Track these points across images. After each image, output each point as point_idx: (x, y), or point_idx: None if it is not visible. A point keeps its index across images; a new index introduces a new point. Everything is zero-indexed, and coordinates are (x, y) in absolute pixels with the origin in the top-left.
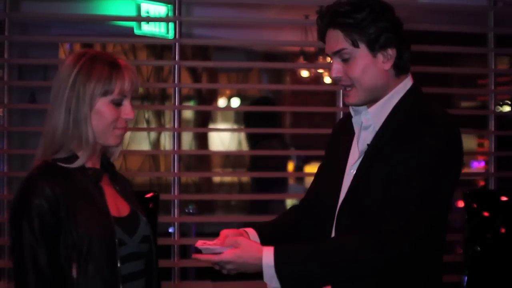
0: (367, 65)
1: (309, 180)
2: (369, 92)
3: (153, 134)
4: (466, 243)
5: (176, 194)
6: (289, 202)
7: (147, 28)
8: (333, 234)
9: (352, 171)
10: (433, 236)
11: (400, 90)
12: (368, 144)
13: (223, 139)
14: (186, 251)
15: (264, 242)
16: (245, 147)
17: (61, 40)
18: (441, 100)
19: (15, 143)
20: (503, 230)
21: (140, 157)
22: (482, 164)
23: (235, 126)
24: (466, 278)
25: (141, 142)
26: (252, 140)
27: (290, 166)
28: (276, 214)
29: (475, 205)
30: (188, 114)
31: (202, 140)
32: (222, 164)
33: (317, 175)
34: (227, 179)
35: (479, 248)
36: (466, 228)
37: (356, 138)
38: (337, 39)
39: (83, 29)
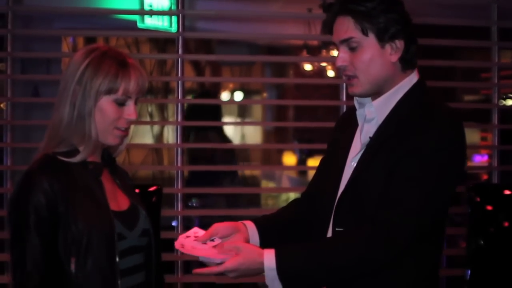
0: (374, 55)
1: (311, 174)
2: (373, 83)
3: (156, 128)
4: (469, 237)
5: (179, 187)
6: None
7: (150, 22)
8: (330, 227)
9: (353, 163)
10: (434, 233)
11: (405, 85)
12: (370, 137)
13: (227, 132)
14: None
15: (263, 236)
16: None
17: (64, 33)
18: (445, 93)
19: (18, 137)
20: (506, 224)
21: (143, 151)
22: (485, 158)
23: (238, 120)
24: (469, 271)
25: (144, 136)
26: (190, 132)
27: (291, 159)
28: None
29: (478, 199)
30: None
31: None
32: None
33: (318, 168)
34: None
35: (482, 242)
36: (469, 222)
37: (359, 131)
38: (347, 26)
39: (86, 22)
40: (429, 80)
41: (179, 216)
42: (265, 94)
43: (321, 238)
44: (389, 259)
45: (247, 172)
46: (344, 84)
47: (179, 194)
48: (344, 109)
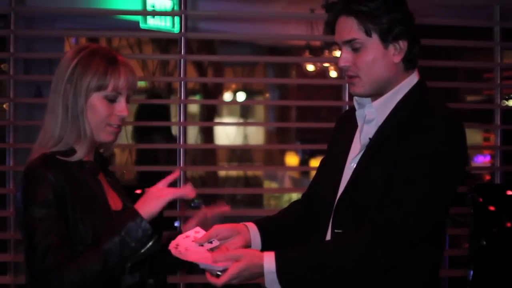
0: (378, 56)
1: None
2: (376, 83)
3: None
4: (471, 237)
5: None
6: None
7: (153, 22)
8: (329, 229)
9: (352, 164)
10: (434, 234)
11: (406, 85)
12: (370, 138)
13: (229, 133)
14: None
15: (265, 238)
16: (250, 141)
17: (66, 34)
18: (447, 94)
19: (21, 137)
20: (508, 224)
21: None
22: (488, 158)
23: (241, 120)
24: (471, 272)
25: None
26: (137, 134)
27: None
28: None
29: (480, 199)
30: (193, 108)
31: (207, 134)
32: (227, 158)
33: (318, 169)
34: (233, 173)
35: (484, 242)
36: (471, 222)
37: (358, 132)
38: (350, 27)
39: (88, 23)
40: (432, 80)
41: (181, 217)
42: (267, 95)
43: (320, 240)
44: (388, 262)
45: (250, 173)
46: (347, 84)
47: None
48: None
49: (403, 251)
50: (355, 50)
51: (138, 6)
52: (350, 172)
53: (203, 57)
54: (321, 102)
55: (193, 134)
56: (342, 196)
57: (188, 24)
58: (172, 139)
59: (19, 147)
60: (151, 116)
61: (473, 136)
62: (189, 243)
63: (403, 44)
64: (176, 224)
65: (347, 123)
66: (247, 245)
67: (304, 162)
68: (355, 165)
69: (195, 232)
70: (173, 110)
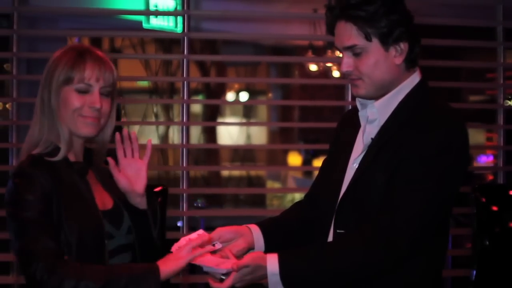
0: (379, 59)
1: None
2: (379, 86)
3: (161, 128)
4: (474, 237)
5: (184, 188)
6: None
7: (156, 22)
8: (331, 229)
9: (354, 165)
10: (436, 234)
11: (407, 85)
12: (372, 138)
13: (232, 133)
14: None
15: (268, 239)
16: (253, 141)
17: (69, 34)
18: (450, 94)
19: (24, 137)
20: (511, 224)
21: None
22: (491, 158)
23: (244, 120)
24: (474, 272)
25: (150, 136)
26: None
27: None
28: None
29: (483, 199)
30: (196, 108)
31: (210, 134)
32: (230, 158)
33: (321, 169)
34: (236, 173)
35: (487, 242)
36: (474, 222)
37: (361, 132)
38: (349, 33)
39: (91, 23)
40: (434, 80)
41: (184, 217)
42: (270, 95)
43: (323, 240)
44: (391, 263)
45: (253, 173)
46: (349, 84)
47: (184, 194)
48: None
49: (405, 252)
50: (356, 55)
51: (141, 6)
52: (352, 172)
53: (206, 57)
54: (323, 102)
55: (196, 134)
56: (344, 196)
57: (191, 24)
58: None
59: (22, 147)
60: None
61: (476, 136)
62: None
63: (404, 46)
64: (179, 224)
65: (349, 123)
66: (250, 248)
67: (307, 162)
68: (357, 165)
69: (198, 235)
70: (176, 110)
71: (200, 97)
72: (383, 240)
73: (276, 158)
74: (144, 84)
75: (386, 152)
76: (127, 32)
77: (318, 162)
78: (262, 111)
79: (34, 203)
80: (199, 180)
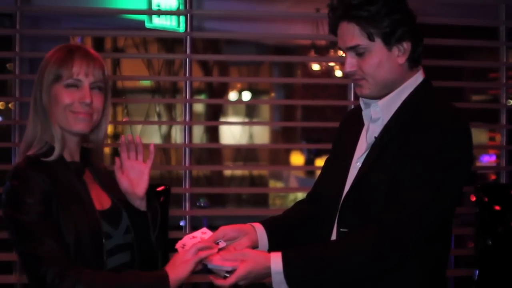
0: (382, 59)
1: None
2: (382, 85)
3: (164, 128)
4: (477, 237)
5: (187, 187)
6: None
7: (158, 22)
8: (335, 228)
9: (358, 163)
10: (440, 233)
11: (411, 84)
12: (375, 137)
13: (234, 132)
14: None
15: (272, 238)
16: (256, 140)
17: (72, 33)
18: (452, 93)
19: None
20: None
21: None
22: (494, 158)
23: (246, 120)
24: (477, 272)
25: (152, 136)
26: None
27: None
28: None
29: (486, 199)
30: (199, 107)
31: (213, 133)
32: (233, 157)
33: (324, 168)
34: (238, 172)
35: (490, 242)
36: (477, 222)
37: (364, 131)
38: (352, 33)
39: (94, 22)
40: (437, 80)
41: (187, 216)
42: (273, 94)
43: (326, 239)
44: (395, 261)
45: (255, 172)
46: (352, 84)
47: (187, 194)
48: None
49: (409, 250)
50: (360, 55)
51: (143, 6)
52: (355, 171)
53: (208, 57)
54: (326, 101)
55: (198, 134)
56: (347, 195)
57: (193, 23)
58: None
59: None
60: None
61: (479, 135)
62: (196, 244)
63: (406, 45)
64: (182, 223)
65: (352, 122)
66: (254, 246)
67: (309, 161)
68: (361, 164)
69: (202, 233)
70: (178, 109)
71: (202, 97)
72: (388, 238)
73: (279, 158)
74: (146, 83)
75: (389, 151)
76: (129, 31)
77: (320, 162)
78: (265, 111)
79: (34, 206)
80: (202, 179)
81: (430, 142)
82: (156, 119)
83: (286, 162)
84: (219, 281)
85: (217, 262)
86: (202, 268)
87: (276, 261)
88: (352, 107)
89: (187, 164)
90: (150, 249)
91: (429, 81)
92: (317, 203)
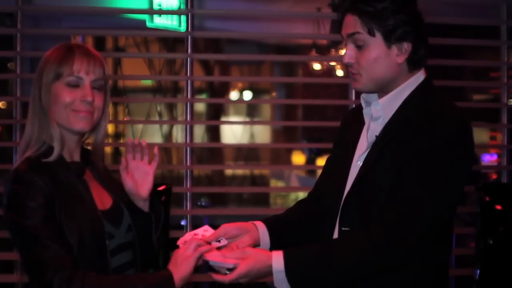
0: (380, 55)
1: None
2: (376, 82)
3: (165, 127)
4: (478, 237)
5: (188, 187)
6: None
7: (159, 21)
8: (336, 227)
9: (359, 162)
10: (442, 232)
11: (412, 84)
12: (376, 136)
13: (235, 132)
14: None
15: (274, 236)
16: (257, 140)
17: (73, 33)
18: (453, 93)
19: None
20: None
21: None
22: (495, 157)
23: (247, 119)
24: (478, 271)
25: (153, 135)
26: None
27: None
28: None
29: (487, 198)
30: (200, 107)
31: (214, 133)
32: (234, 157)
33: (325, 167)
34: (239, 171)
35: (491, 241)
36: (478, 221)
37: (365, 130)
38: (354, 24)
39: (95, 21)
40: (438, 79)
41: (188, 215)
42: (274, 93)
43: (327, 238)
44: (397, 260)
45: (256, 172)
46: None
47: (188, 193)
48: None
49: (412, 248)
50: (359, 47)
51: (144, 5)
52: (356, 170)
53: (209, 56)
54: (327, 100)
55: (199, 133)
56: (349, 194)
57: (194, 22)
58: None
59: None
60: None
61: (480, 135)
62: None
63: (407, 46)
64: (183, 223)
65: (353, 121)
66: (256, 244)
67: (310, 160)
68: (362, 163)
69: (203, 230)
70: (180, 108)
71: (204, 96)
72: (390, 237)
73: (280, 157)
74: (147, 83)
75: (390, 149)
76: (130, 31)
77: (321, 161)
78: (266, 110)
79: (37, 210)
80: (203, 179)
81: (432, 140)
82: (157, 118)
83: (287, 161)
84: (218, 276)
85: (219, 259)
86: (203, 266)
87: (277, 259)
88: (353, 106)
89: (188, 164)
90: (151, 249)
91: (430, 80)
92: (319, 202)
